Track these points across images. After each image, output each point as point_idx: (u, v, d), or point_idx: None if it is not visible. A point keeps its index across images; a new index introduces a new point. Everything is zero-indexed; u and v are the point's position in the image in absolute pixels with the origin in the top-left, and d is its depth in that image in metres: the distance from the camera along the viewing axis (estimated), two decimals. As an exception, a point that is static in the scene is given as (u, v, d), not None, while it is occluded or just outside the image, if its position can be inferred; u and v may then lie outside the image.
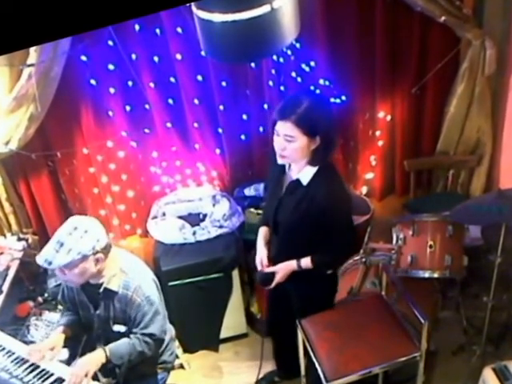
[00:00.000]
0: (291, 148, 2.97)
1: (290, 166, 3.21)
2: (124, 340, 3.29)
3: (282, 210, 3.23)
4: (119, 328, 3.33)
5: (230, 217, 4.47)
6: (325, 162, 3.09)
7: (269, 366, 4.18)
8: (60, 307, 3.92)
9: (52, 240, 3.10)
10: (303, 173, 3.11)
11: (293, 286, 3.42)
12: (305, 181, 3.10)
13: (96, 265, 3.15)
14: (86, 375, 3.14)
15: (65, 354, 3.50)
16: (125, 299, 3.24)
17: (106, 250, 3.19)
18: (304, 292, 3.44)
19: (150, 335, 3.27)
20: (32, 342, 3.68)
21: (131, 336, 3.28)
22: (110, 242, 3.25)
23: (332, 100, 4.66)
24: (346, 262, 3.47)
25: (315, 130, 2.94)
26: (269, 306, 3.92)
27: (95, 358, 3.23)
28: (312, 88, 4.59)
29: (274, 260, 3.33)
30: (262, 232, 3.48)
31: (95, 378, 3.29)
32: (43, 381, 3.23)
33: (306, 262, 3.22)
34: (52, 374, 3.26)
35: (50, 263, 3.07)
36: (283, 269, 3.25)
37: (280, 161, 3.08)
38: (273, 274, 3.26)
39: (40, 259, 3.08)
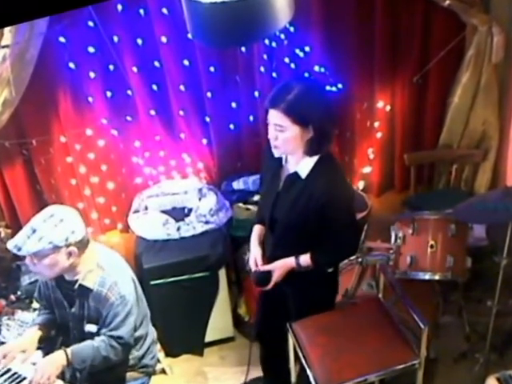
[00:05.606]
0: (282, 138, 2.98)
1: (286, 158, 3.20)
2: (88, 342, 3.27)
3: (280, 206, 3.20)
4: (90, 328, 3.31)
5: (216, 212, 4.45)
6: (321, 153, 3.07)
7: (255, 372, 4.14)
8: (35, 306, 3.93)
9: (26, 226, 3.12)
10: (301, 165, 3.09)
11: (290, 287, 3.39)
12: (303, 173, 3.09)
13: (68, 258, 3.15)
14: (49, 378, 3.13)
15: (39, 356, 3.47)
16: (99, 297, 3.24)
17: (82, 244, 3.19)
18: (302, 293, 3.40)
19: (118, 338, 3.25)
20: (3, 343, 3.67)
21: (97, 338, 3.27)
22: (87, 237, 3.25)
23: (328, 88, 4.64)
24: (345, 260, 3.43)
25: (307, 119, 2.94)
26: (260, 309, 3.85)
27: (55, 361, 3.21)
28: (306, 75, 4.58)
29: (269, 260, 3.29)
30: (256, 230, 3.45)
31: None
32: (15, 385, 3.23)
33: (306, 259, 3.19)
34: (24, 378, 3.25)
35: (19, 249, 3.09)
36: (281, 266, 3.23)
37: (274, 151, 3.10)
38: (269, 273, 3.23)
39: (10, 244, 3.11)
